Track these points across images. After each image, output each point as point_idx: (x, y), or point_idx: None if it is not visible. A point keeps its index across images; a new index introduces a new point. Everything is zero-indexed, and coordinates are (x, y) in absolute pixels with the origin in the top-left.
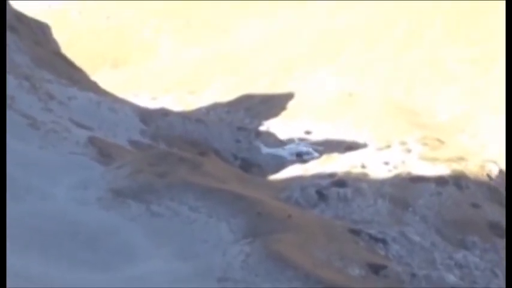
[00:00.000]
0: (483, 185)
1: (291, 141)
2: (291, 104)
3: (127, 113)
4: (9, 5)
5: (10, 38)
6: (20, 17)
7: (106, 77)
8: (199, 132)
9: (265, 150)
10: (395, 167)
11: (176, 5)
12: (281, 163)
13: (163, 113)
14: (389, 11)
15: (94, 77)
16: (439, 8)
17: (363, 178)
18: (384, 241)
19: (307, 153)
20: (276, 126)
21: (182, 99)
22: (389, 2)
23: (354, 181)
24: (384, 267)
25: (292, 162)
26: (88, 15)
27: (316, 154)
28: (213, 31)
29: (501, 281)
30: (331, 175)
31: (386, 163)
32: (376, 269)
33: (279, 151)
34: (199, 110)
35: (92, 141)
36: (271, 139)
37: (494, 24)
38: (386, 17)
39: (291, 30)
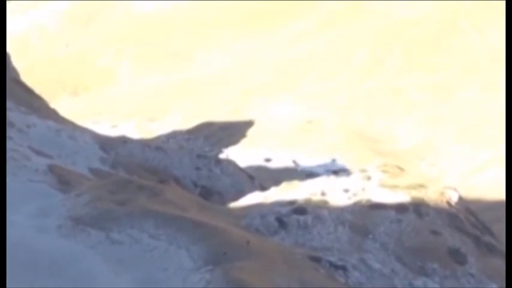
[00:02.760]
0: (443, 212)
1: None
2: (251, 132)
3: (87, 141)
4: None
5: None
6: None
7: (65, 105)
8: (159, 159)
9: (300, 167)
10: (355, 195)
11: (136, 32)
12: (240, 190)
13: (123, 140)
14: (349, 39)
15: (53, 104)
16: (398, 36)
17: (323, 205)
18: (344, 268)
19: (343, 170)
20: (236, 153)
21: (142, 126)
22: (349, 32)
23: (314, 208)
24: None
25: (251, 190)
26: (48, 42)
27: (350, 171)
28: (173, 58)
29: None
30: (291, 202)
31: (346, 190)
32: None
33: (314, 168)
34: (159, 137)
35: (51, 169)
36: (231, 167)
37: (454, 50)
38: (346, 46)
39: (252, 59)
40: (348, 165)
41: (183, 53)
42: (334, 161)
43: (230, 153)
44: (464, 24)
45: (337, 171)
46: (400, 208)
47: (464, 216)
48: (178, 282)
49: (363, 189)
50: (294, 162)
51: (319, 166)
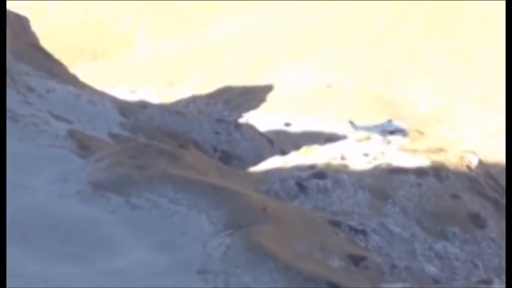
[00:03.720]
0: (463, 176)
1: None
2: (269, 97)
3: (106, 106)
4: None
5: None
6: None
7: (85, 70)
8: (179, 124)
9: (356, 128)
10: (375, 159)
11: None
12: (260, 155)
13: (143, 105)
14: (366, 6)
15: (73, 69)
16: (416, 2)
17: (342, 170)
18: (363, 232)
19: (400, 130)
20: (255, 118)
21: (161, 91)
22: None
23: (333, 173)
24: (364, 258)
25: (271, 154)
26: (66, 8)
27: (406, 132)
28: (191, 24)
29: (481, 271)
30: (311, 167)
31: (366, 154)
32: (356, 260)
33: (370, 129)
34: (178, 102)
35: (71, 134)
36: (250, 131)
37: (470, 16)
38: (363, 12)
39: (269, 24)
40: (400, 126)
41: (200, 19)
42: (390, 121)
43: (250, 117)
44: None
45: (394, 131)
46: (420, 172)
47: (484, 179)
48: (198, 247)
49: (383, 153)
50: (351, 123)
51: (375, 126)
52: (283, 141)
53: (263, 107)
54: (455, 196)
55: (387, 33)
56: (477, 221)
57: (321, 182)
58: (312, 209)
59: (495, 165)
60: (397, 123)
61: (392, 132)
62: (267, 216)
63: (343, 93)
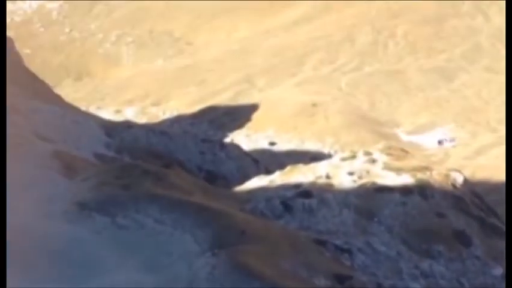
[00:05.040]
0: (448, 194)
1: (430, 128)
2: (255, 116)
3: (91, 126)
4: None
5: None
6: None
7: (69, 90)
8: (164, 144)
9: (405, 137)
10: (360, 177)
11: (138, 17)
12: (245, 174)
13: (128, 125)
14: (349, 23)
15: (57, 89)
16: (400, 19)
17: (328, 189)
18: (349, 251)
19: (449, 140)
20: (240, 137)
21: (146, 111)
22: (349, 15)
23: (319, 192)
24: (349, 277)
25: (256, 174)
26: (51, 27)
27: (455, 142)
28: (175, 43)
29: None
30: (296, 186)
31: (351, 173)
32: (341, 279)
33: (420, 138)
34: (163, 122)
35: (56, 154)
36: (235, 151)
37: (455, 33)
38: (347, 29)
39: (253, 43)
40: (454, 134)
41: (185, 38)
42: (440, 131)
43: (235, 137)
44: (466, 6)
45: (442, 140)
46: (405, 190)
47: (469, 198)
48: (184, 267)
49: (368, 172)
50: (398, 132)
51: (425, 136)
52: (268, 161)
53: (248, 126)
54: (440, 214)
55: (372, 51)
56: (462, 239)
57: (306, 201)
58: (297, 228)
59: (480, 184)
60: (446, 132)
61: (440, 142)
62: (254, 235)
63: (329, 111)
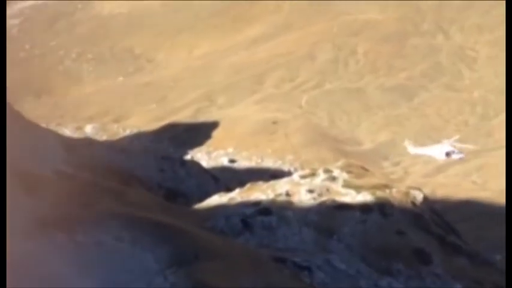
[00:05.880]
0: (407, 212)
1: (436, 141)
2: (215, 133)
3: (51, 143)
4: None
5: None
6: None
7: (29, 107)
8: (124, 161)
9: (413, 150)
10: (320, 195)
11: (99, 34)
12: (205, 192)
13: (88, 142)
14: (310, 41)
15: (17, 106)
16: (361, 38)
17: (287, 206)
18: (309, 269)
19: (456, 152)
20: (201, 155)
21: (106, 128)
22: (310, 33)
23: (278, 209)
24: None
25: (216, 191)
26: (11, 44)
27: (463, 154)
28: (136, 60)
29: None
30: (256, 203)
31: (311, 191)
32: None
33: (428, 151)
34: (123, 139)
35: (16, 171)
36: (195, 168)
37: (415, 51)
38: (307, 47)
39: (214, 61)
40: (463, 147)
41: (146, 55)
42: (446, 143)
43: (195, 154)
44: (427, 25)
45: (451, 152)
46: (365, 208)
47: (429, 216)
48: (143, 285)
49: (328, 189)
50: (408, 145)
51: (433, 148)
52: (228, 178)
53: (208, 143)
54: (400, 232)
55: (332, 69)
56: (422, 257)
57: (265, 219)
58: (257, 246)
59: (440, 201)
60: (453, 145)
61: (448, 154)
62: (213, 253)
63: (289, 129)
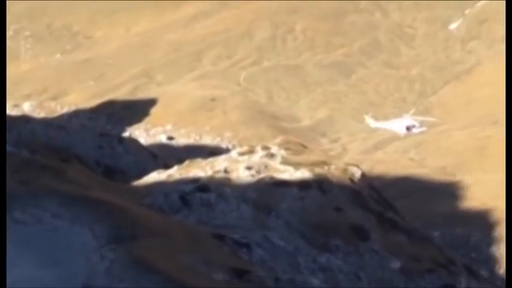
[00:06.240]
0: (346, 189)
1: (399, 115)
2: (153, 110)
3: None
4: None
5: None
6: None
7: None
8: (62, 139)
9: (374, 124)
10: (258, 172)
11: (36, 11)
12: (143, 169)
13: (25, 119)
14: (248, 18)
15: None
16: (299, 14)
17: (226, 183)
18: (247, 246)
19: (417, 126)
20: (139, 132)
21: (44, 105)
22: (248, 10)
23: (217, 186)
24: (247, 271)
25: (154, 168)
26: None
27: (424, 128)
28: (73, 37)
29: (364, 284)
30: (194, 180)
31: (249, 168)
32: (239, 274)
33: (389, 125)
34: (61, 116)
35: None
36: (133, 145)
37: (354, 28)
38: (246, 24)
39: (152, 38)
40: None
41: (84, 33)
42: (408, 117)
43: (133, 131)
44: (365, 2)
45: (412, 126)
46: (303, 185)
47: (367, 192)
48: (82, 262)
49: (266, 166)
50: (369, 118)
51: (394, 122)
52: (166, 155)
53: (146, 120)
54: (338, 209)
55: (270, 46)
56: (360, 233)
57: (204, 195)
58: (195, 223)
59: (378, 178)
60: (414, 120)
61: (409, 128)
62: (152, 230)
63: (227, 106)
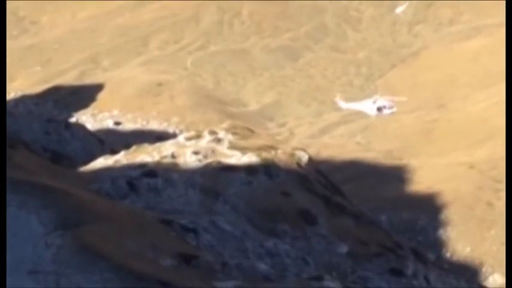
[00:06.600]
0: (293, 173)
1: (370, 96)
2: (100, 96)
3: None
4: None
5: None
6: None
7: None
8: (8, 124)
9: (345, 105)
10: (205, 157)
11: None
12: (91, 154)
13: None
14: (194, 3)
15: None
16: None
17: (173, 168)
18: (195, 231)
19: (388, 107)
20: (86, 117)
21: None
22: None
23: (164, 171)
24: (195, 256)
25: (101, 154)
26: None
27: (395, 109)
28: (19, 22)
29: (312, 268)
30: (142, 166)
31: (197, 153)
32: (187, 259)
33: (360, 105)
34: (8, 102)
35: None
36: (80, 131)
37: (299, 12)
38: (192, 9)
39: (98, 22)
40: (390, 102)
41: (29, 18)
42: (376, 100)
43: (80, 117)
44: None
45: (381, 108)
46: (251, 170)
47: (314, 176)
48: (29, 248)
49: (213, 151)
50: (338, 100)
51: (363, 103)
52: (113, 140)
53: (93, 106)
54: (285, 193)
55: (217, 30)
56: (307, 218)
57: (151, 180)
58: (143, 208)
59: (325, 162)
60: (385, 100)
61: (380, 109)
62: (99, 216)
63: (174, 91)
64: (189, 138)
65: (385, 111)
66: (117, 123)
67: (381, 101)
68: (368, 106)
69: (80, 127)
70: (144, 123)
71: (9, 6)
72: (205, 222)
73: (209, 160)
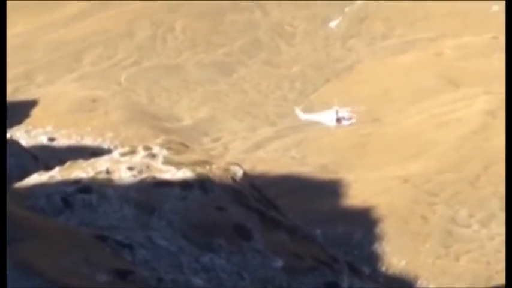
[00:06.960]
0: (228, 188)
1: (329, 107)
2: (34, 112)
3: None
4: None
5: None
6: None
7: None
8: None
9: (304, 116)
10: (140, 172)
11: None
12: (25, 171)
13: None
14: (128, 18)
15: None
16: (178, 13)
17: (108, 184)
18: (130, 246)
19: (347, 118)
20: (19, 133)
21: None
22: (128, 10)
23: (99, 187)
24: (130, 272)
25: (36, 170)
26: None
27: (353, 120)
28: None
29: (247, 283)
30: (76, 182)
31: (131, 168)
32: (122, 275)
33: (319, 117)
34: None
35: None
36: (14, 147)
37: (234, 27)
38: (125, 24)
39: (32, 39)
40: (349, 113)
41: None
42: (337, 111)
43: (14, 133)
44: (245, 1)
45: (342, 118)
46: (185, 185)
47: (249, 191)
48: None
49: (148, 166)
50: (299, 112)
51: (324, 114)
52: (47, 156)
53: (27, 122)
54: (220, 208)
55: (150, 46)
56: (243, 232)
57: (86, 196)
58: (77, 224)
59: (260, 177)
60: (344, 111)
61: (339, 120)
62: (33, 233)
63: (108, 107)
64: (123, 154)
65: (344, 122)
66: (51, 139)
67: (342, 112)
68: (327, 117)
69: (14, 143)
70: (79, 139)
71: None
72: (140, 237)
73: (144, 175)
